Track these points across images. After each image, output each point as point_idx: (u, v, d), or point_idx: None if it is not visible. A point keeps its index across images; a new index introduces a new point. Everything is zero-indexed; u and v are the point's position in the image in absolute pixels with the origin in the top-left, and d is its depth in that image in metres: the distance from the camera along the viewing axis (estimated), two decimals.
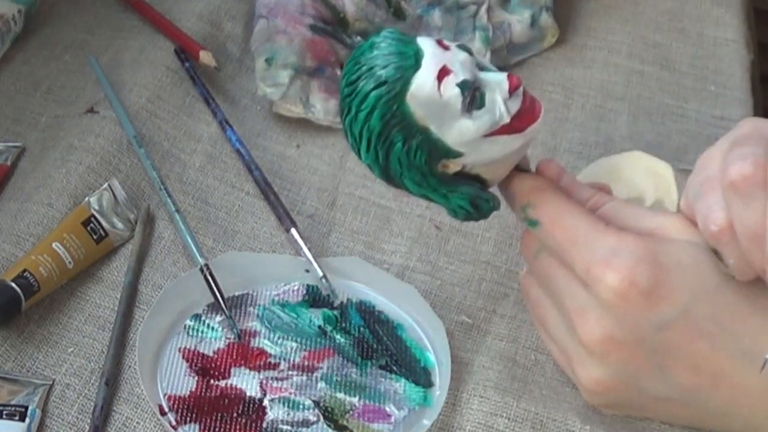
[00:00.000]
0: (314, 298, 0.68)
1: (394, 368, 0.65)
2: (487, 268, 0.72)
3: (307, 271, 0.69)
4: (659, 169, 0.67)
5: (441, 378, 0.64)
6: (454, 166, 0.58)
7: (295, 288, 0.69)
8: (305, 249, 0.70)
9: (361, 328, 0.67)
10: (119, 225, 0.71)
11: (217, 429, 0.61)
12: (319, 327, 0.67)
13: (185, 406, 0.62)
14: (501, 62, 0.84)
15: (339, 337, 0.66)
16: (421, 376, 0.65)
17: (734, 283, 0.56)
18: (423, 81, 0.56)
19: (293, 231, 0.71)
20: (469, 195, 0.59)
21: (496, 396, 0.64)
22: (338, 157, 0.79)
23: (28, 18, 0.86)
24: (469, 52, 0.58)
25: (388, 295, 0.68)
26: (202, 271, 0.68)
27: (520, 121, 0.58)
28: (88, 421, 0.62)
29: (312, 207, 0.75)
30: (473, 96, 0.57)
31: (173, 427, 0.61)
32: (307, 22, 0.82)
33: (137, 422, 0.62)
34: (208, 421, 0.61)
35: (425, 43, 0.58)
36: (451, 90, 0.56)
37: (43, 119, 0.80)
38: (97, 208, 0.71)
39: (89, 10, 0.89)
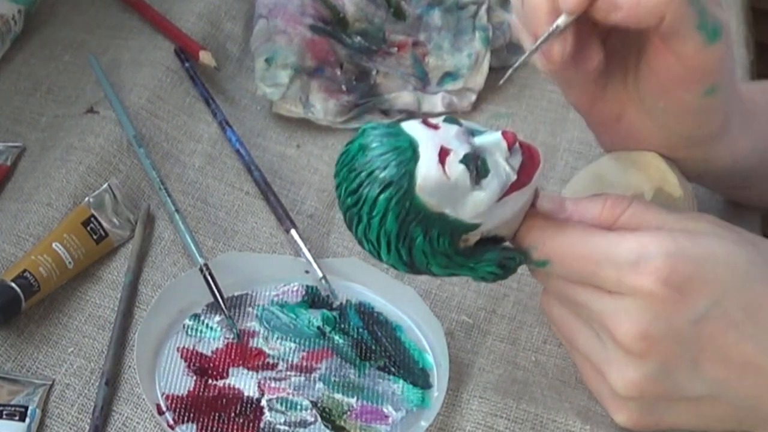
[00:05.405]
0: (313, 298, 0.68)
1: (393, 369, 0.65)
2: None
3: (307, 272, 0.69)
4: (646, 159, 0.63)
5: (439, 379, 0.64)
6: (473, 238, 0.56)
7: (295, 289, 0.69)
8: (305, 250, 0.70)
9: (360, 329, 0.67)
10: (119, 225, 0.71)
11: (214, 429, 0.61)
12: (318, 328, 0.67)
13: (183, 406, 0.62)
14: (501, 62, 0.84)
15: (338, 338, 0.66)
16: (419, 378, 0.65)
17: (764, 275, 0.56)
18: (427, 169, 0.54)
19: (293, 232, 0.71)
20: (495, 259, 0.57)
21: (496, 397, 0.64)
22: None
23: (28, 18, 0.86)
24: (458, 122, 0.56)
25: (387, 297, 0.68)
26: (201, 271, 0.68)
27: (525, 174, 0.56)
28: (88, 421, 0.62)
29: (312, 207, 0.75)
30: (477, 167, 0.55)
31: (170, 426, 0.61)
32: (307, 22, 0.82)
33: (137, 422, 0.62)
34: (206, 420, 0.61)
35: (414, 128, 0.55)
36: (456, 169, 0.54)
37: (43, 119, 0.80)
38: (97, 208, 0.71)
39: (89, 10, 0.89)
